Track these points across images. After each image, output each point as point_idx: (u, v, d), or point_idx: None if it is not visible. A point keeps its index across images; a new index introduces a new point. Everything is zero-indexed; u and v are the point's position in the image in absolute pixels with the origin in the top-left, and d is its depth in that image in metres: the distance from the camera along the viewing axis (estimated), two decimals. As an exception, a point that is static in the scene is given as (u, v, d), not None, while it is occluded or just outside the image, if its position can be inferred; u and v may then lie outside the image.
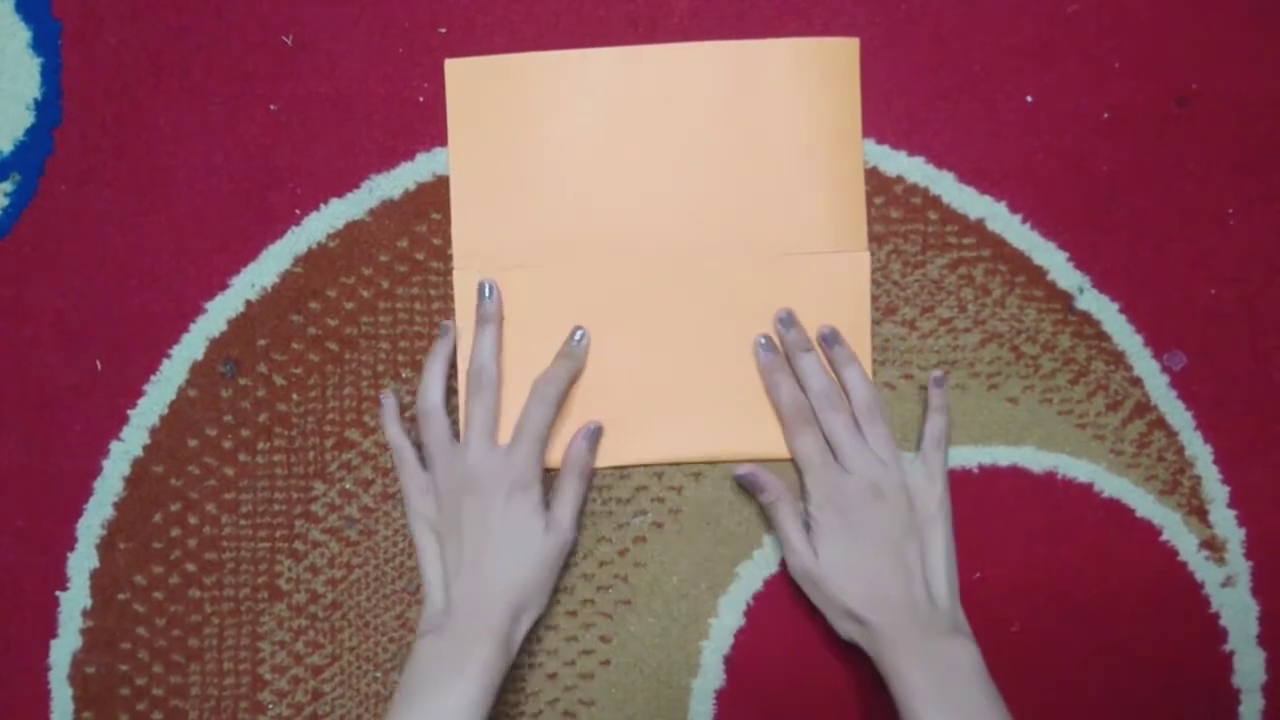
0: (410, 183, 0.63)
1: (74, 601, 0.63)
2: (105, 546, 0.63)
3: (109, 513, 0.63)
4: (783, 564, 0.61)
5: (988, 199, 0.62)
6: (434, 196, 0.63)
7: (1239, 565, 0.62)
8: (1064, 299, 0.63)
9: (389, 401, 0.62)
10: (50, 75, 0.62)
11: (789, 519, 0.60)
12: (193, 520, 0.63)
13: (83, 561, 0.63)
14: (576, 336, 0.62)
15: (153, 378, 0.63)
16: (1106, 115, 0.62)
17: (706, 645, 0.63)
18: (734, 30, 0.62)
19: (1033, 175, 0.62)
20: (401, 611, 0.63)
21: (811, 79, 0.62)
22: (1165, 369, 0.63)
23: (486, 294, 0.61)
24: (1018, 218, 0.62)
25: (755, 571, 0.63)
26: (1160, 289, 0.62)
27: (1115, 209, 0.62)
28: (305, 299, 0.63)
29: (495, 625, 0.56)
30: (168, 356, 0.63)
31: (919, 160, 0.62)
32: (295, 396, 0.63)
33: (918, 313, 0.63)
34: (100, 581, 0.63)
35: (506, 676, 0.57)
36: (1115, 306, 0.63)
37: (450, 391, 0.62)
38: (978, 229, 0.63)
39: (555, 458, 0.62)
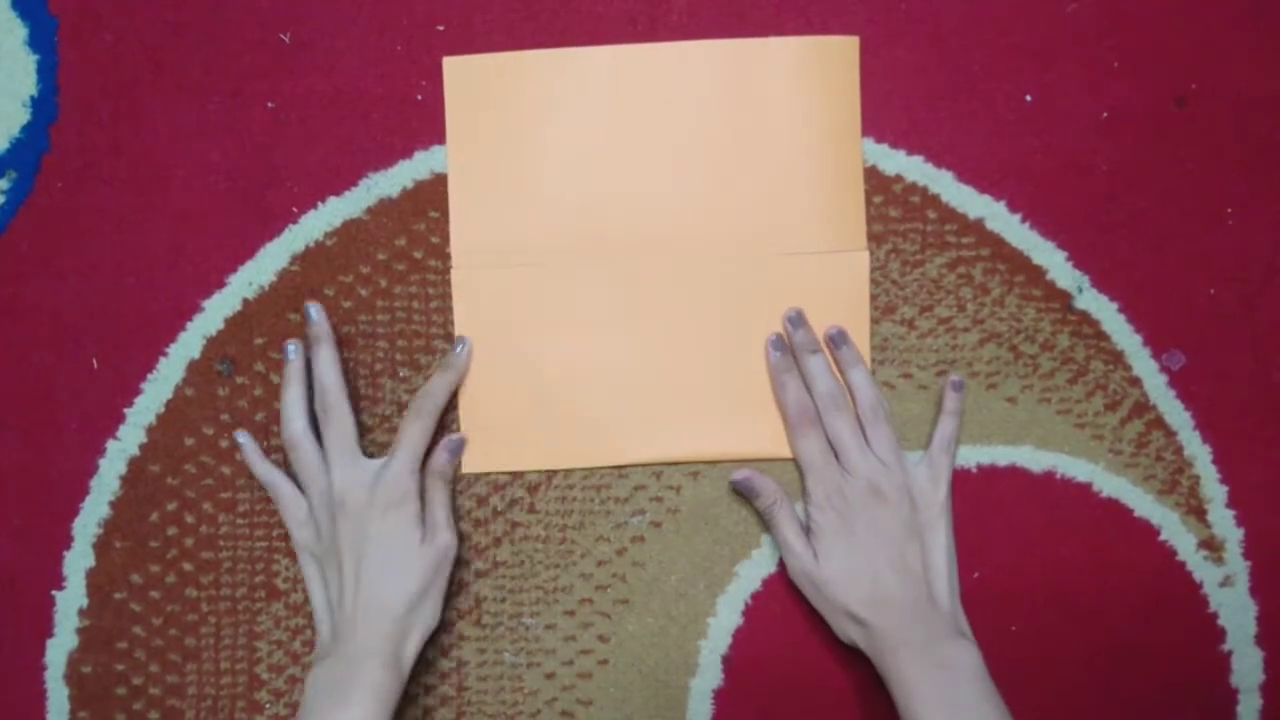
0: (408, 181, 0.62)
1: (70, 601, 0.62)
2: (102, 545, 0.62)
3: (105, 512, 0.62)
4: (781, 564, 0.61)
5: (987, 198, 0.62)
6: (432, 195, 0.62)
7: (1237, 565, 0.63)
8: (1063, 298, 0.63)
9: (245, 441, 0.61)
10: (47, 72, 0.62)
11: (787, 522, 0.60)
12: (190, 519, 0.63)
13: (79, 561, 0.62)
14: (458, 348, 0.61)
15: (149, 376, 0.62)
16: (1106, 115, 0.62)
17: (705, 645, 0.62)
18: (733, 29, 0.62)
19: (1032, 174, 0.62)
20: (399, 611, 0.63)
21: (811, 78, 0.62)
22: (1164, 368, 0.63)
23: (313, 316, 0.61)
24: (1017, 217, 0.62)
25: (754, 571, 0.63)
26: (1159, 289, 0.62)
27: (1114, 208, 0.62)
28: (303, 297, 0.62)
29: (381, 646, 0.55)
30: (165, 355, 0.62)
31: (918, 159, 0.62)
32: (293, 395, 0.63)
33: (916, 312, 0.63)
34: (97, 581, 0.62)
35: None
36: (1114, 306, 0.63)
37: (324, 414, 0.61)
38: (977, 228, 0.63)
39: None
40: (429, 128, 0.62)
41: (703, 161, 0.62)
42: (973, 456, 0.63)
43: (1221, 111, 0.62)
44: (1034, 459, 0.63)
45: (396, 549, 0.57)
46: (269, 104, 0.62)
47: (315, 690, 0.55)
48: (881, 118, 0.62)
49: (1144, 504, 0.63)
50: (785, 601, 0.62)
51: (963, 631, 0.57)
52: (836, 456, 0.60)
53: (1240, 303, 0.62)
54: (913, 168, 0.62)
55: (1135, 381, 0.63)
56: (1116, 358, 0.63)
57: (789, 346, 0.62)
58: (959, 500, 0.62)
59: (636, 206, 0.62)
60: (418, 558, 0.57)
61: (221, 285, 0.62)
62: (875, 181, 0.62)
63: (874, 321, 0.63)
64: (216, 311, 0.62)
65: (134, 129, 0.62)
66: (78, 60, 0.62)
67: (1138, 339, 0.63)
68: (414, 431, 0.59)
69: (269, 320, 0.63)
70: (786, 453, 0.62)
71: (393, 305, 0.63)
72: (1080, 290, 0.63)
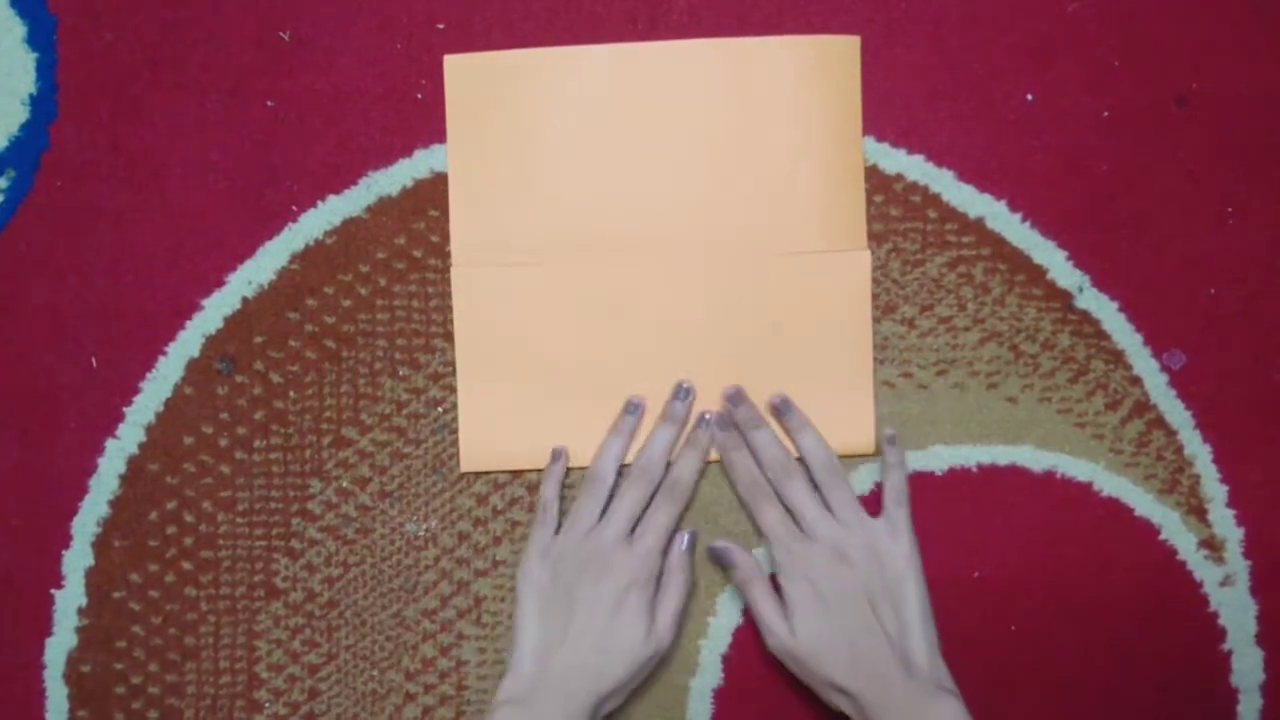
0: (408, 179, 0.62)
1: (69, 600, 0.62)
2: (101, 544, 0.62)
3: (104, 511, 0.62)
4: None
5: (987, 197, 0.62)
6: (432, 193, 0.62)
7: (1237, 564, 0.63)
8: (1063, 298, 0.63)
9: (562, 459, 0.62)
10: (46, 70, 0.62)
11: (763, 599, 0.59)
12: (189, 518, 0.62)
13: (78, 560, 0.62)
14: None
15: (149, 375, 0.62)
16: (1106, 114, 0.62)
17: (705, 644, 0.62)
18: (734, 28, 0.62)
19: (1032, 174, 0.62)
20: (398, 610, 0.62)
21: (811, 77, 0.62)
22: (1164, 368, 0.63)
23: (682, 396, 0.61)
24: (1017, 216, 0.62)
25: (754, 570, 0.63)
26: (1159, 288, 0.62)
27: (1115, 208, 0.62)
28: (302, 296, 0.62)
29: (577, 713, 0.56)
30: (164, 354, 0.62)
31: (918, 158, 0.62)
32: (292, 394, 0.63)
33: (917, 311, 0.63)
34: (96, 580, 0.62)
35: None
36: (1114, 305, 0.62)
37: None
38: (977, 227, 0.63)
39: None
40: (429, 126, 0.62)
41: (703, 160, 0.62)
42: (973, 456, 0.63)
43: (1221, 111, 0.62)
44: (1034, 458, 0.63)
45: (625, 634, 0.57)
46: (268, 102, 0.62)
47: None
48: (882, 117, 0.62)
49: (1144, 503, 0.63)
50: (785, 601, 0.62)
51: (945, 686, 0.56)
52: (798, 524, 0.60)
53: (1240, 302, 0.62)
54: (913, 167, 0.62)
55: (1136, 381, 0.63)
56: (1117, 357, 0.63)
57: (732, 425, 0.61)
58: (959, 500, 0.62)
59: (636, 205, 0.62)
60: (640, 648, 0.58)
61: (221, 284, 0.62)
62: (876, 181, 0.62)
63: (874, 320, 0.63)
64: (216, 310, 0.62)
65: (133, 127, 0.62)
66: (77, 58, 0.62)
67: (1138, 338, 0.63)
68: (666, 515, 0.60)
69: (268, 319, 0.62)
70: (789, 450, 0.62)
71: (392, 304, 0.63)
72: (1081, 290, 0.63)
